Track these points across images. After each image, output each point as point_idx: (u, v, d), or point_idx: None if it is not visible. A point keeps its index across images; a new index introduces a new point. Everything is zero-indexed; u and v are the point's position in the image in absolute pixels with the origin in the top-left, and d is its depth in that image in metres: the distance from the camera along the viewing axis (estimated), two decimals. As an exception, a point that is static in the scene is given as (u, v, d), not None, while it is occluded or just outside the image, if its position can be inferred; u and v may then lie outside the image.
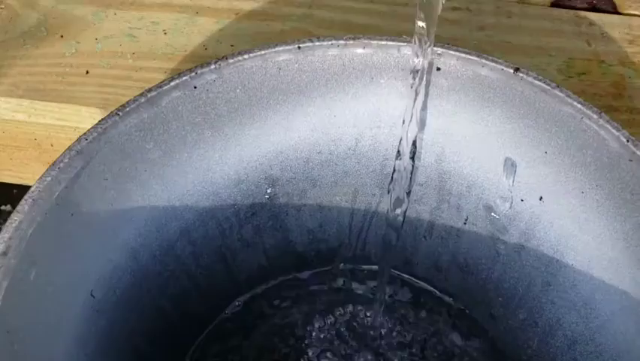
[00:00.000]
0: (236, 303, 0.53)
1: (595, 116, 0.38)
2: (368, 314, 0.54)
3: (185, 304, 0.49)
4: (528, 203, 0.44)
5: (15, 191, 0.70)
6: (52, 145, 0.54)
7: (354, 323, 0.53)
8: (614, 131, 0.38)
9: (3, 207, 0.69)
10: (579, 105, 0.39)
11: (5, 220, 0.69)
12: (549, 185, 0.42)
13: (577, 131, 0.39)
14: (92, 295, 0.41)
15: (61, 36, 0.53)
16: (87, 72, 0.51)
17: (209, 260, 0.50)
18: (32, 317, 0.36)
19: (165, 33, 0.54)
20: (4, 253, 0.35)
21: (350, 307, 0.54)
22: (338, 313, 0.54)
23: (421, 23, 0.40)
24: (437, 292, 0.54)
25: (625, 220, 0.39)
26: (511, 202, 0.45)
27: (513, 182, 0.44)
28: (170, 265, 0.47)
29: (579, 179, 0.41)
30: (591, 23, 0.56)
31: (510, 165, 0.44)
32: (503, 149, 0.44)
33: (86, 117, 0.50)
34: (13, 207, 0.71)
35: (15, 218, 0.36)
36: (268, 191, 0.49)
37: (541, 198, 0.43)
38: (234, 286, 0.53)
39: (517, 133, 0.43)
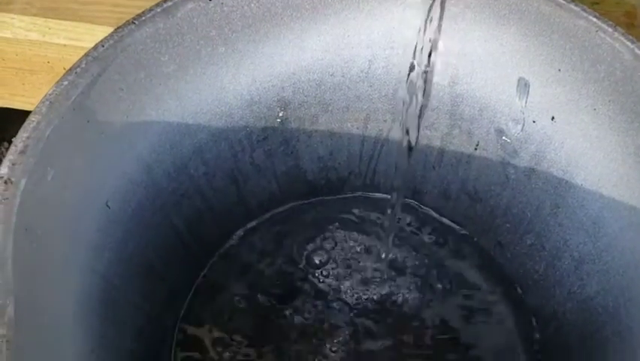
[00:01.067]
0: (248, 226, 0.54)
1: (610, 29, 0.38)
2: (375, 242, 0.55)
3: (197, 225, 0.50)
4: (540, 124, 0.44)
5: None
6: (64, 68, 0.54)
7: (361, 250, 0.54)
8: (628, 43, 0.38)
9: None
10: (594, 19, 0.39)
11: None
12: (562, 104, 0.43)
13: (591, 46, 0.39)
14: (107, 205, 0.41)
15: (74, -42, 0.53)
16: (100, -8, 0.51)
17: (222, 183, 0.50)
18: (49, 218, 0.36)
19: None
20: (23, 152, 0.35)
21: (358, 234, 0.54)
22: (346, 238, 0.55)
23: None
24: (445, 219, 0.55)
25: (637, 134, 0.39)
26: (523, 124, 0.45)
27: (526, 103, 0.44)
28: (183, 183, 0.47)
29: (592, 95, 0.41)
30: (606, -44, 0.56)
31: (523, 86, 0.44)
32: (517, 68, 0.44)
33: (100, 37, 0.50)
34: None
35: (33, 119, 0.36)
36: (280, 114, 0.49)
37: (553, 118, 0.44)
38: (246, 210, 0.53)
39: (531, 51, 0.43)
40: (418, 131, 0.48)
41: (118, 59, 0.39)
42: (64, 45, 0.51)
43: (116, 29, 0.39)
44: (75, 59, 0.52)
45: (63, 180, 0.37)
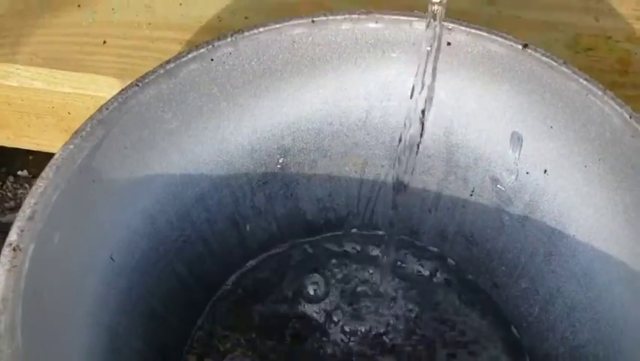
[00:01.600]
0: (247, 265, 0.55)
1: (600, 93, 0.39)
2: (374, 277, 0.56)
3: (199, 268, 0.51)
4: (533, 176, 0.46)
5: (31, 157, 0.72)
6: (69, 113, 0.55)
7: (361, 286, 0.55)
8: (617, 107, 0.39)
9: (19, 173, 0.71)
10: (585, 82, 0.40)
11: (22, 185, 0.71)
12: (554, 158, 0.44)
13: (582, 107, 0.41)
14: (111, 258, 0.43)
15: (79, 5, 0.54)
16: (104, 42, 0.52)
17: (223, 227, 0.51)
18: (57, 278, 0.38)
19: (180, 4, 0.55)
20: (31, 218, 0.36)
21: (356, 268, 0.55)
22: (344, 273, 0.56)
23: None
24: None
25: (626, 194, 0.40)
26: (517, 175, 0.46)
27: (519, 155, 0.46)
28: (186, 230, 0.48)
29: (582, 153, 0.42)
30: (600, -1, 0.57)
31: (517, 139, 0.45)
32: (510, 123, 0.45)
33: (104, 86, 0.52)
34: (29, 172, 0.73)
35: (40, 184, 0.37)
36: (280, 161, 0.51)
37: (545, 171, 0.45)
38: (246, 251, 0.55)
39: (524, 108, 0.44)
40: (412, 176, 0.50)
41: (122, 120, 0.41)
42: (69, 93, 0.52)
43: (120, 92, 0.40)
44: (79, 104, 0.54)
45: (69, 241, 0.39)
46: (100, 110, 0.40)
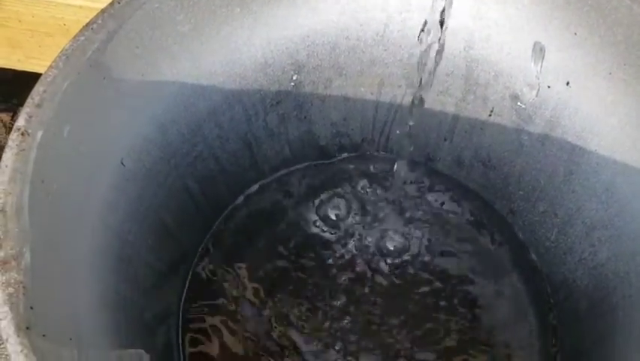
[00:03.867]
0: (258, 184, 0.54)
1: (628, -9, 0.38)
2: (388, 200, 0.55)
3: (210, 186, 0.50)
4: (555, 89, 0.44)
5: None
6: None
7: (375, 207, 0.54)
8: (647, 5, 0.37)
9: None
10: (613, -20, 0.38)
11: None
12: (577, 68, 0.42)
13: (608, 9, 0.39)
14: (122, 163, 0.42)
15: None
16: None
17: (236, 146, 0.50)
18: (65, 172, 0.37)
19: None
20: (39, 105, 0.35)
21: (371, 190, 0.54)
22: (359, 194, 0.55)
23: None
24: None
25: (652, 98, 0.39)
26: (538, 89, 0.45)
27: (541, 68, 0.44)
28: (197, 145, 0.48)
29: (608, 59, 0.41)
30: None
31: (539, 50, 0.44)
32: (533, 33, 0.43)
33: None
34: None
35: (50, 73, 0.36)
36: (294, 78, 0.49)
37: (568, 83, 0.43)
38: (258, 174, 0.54)
39: (547, 15, 0.42)
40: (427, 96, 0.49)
41: (134, 16, 0.40)
42: (81, 7, 0.51)
43: (131, -13, 0.39)
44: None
45: (79, 136, 0.38)
46: (111, 4, 0.39)
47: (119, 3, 0.39)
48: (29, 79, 0.66)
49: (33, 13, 0.53)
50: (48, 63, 0.59)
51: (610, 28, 0.39)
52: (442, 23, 0.44)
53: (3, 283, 0.30)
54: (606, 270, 0.43)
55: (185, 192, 0.49)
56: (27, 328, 0.29)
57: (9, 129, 0.68)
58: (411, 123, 0.52)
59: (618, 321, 0.41)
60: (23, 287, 0.31)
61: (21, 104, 0.72)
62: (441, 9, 0.44)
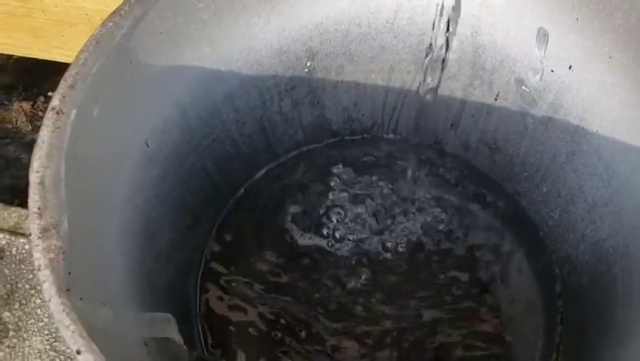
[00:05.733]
0: (271, 165, 0.56)
1: (627, -23, 0.40)
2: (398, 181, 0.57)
3: (227, 167, 0.53)
4: (557, 73, 0.46)
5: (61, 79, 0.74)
6: (102, 20, 0.56)
7: (385, 188, 0.56)
8: (645, -10, 0.39)
9: (50, 93, 0.72)
10: (613, -32, 0.40)
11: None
12: (579, 52, 0.44)
13: (609, -5, 0.41)
14: (146, 144, 0.44)
15: None
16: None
17: (251, 129, 0.53)
18: (95, 150, 0.39)
19: None
20: (72, 86, 0.38)
21: (381, 171, 0.57)
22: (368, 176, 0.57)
23: None
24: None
25: (650, 79, 0.41)
26: (542, 74, 0.47)
27: (545, 52, 0.46)
28: (216, 128, 0.50)
29: (607, 44, 0.43)
30: None
31: (542, 35, 0.46)
32: (537, 19, 0.46)
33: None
34: (60, 94, 0.74)
35: (81, 56, 0.39)
36: (307, 64, 0.52)
37: (570, 67, 0.45)
38: (272, 156, 0.56)
39: (551, 1, 0.44)
40: (440, 80, 0.51)
41: (158, 3, 0.42)
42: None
43: (156, -25, 0.42)
44: (112, 10, 0.55)
45: (107, 117, 0.40)
46: (137, -8, 0.41)
47: (144, -9, 0.41)
48: (49, 69, 0.68)
49: (56, 3, 0.55)
50: (70, 52, 0.61)
51: (610, 13, 0.42)
52: (455, 10, 0.46)
53: (44, 248, 0.32)
54: (607, 245, 0.46)
55: (203, 172, 0.51)
56: (67, 290, 0.32)
57: (30, 118, 0.70)
58: (419, 108, 0.54)
59: (618, 293, 0.43)
60: (62, 253, 0.33)
61: (41, 93, 0.74)
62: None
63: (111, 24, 0.40)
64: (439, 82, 0.51)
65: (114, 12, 0.40)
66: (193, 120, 0.48)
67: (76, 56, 0.39)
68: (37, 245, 0.32)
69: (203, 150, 0.50)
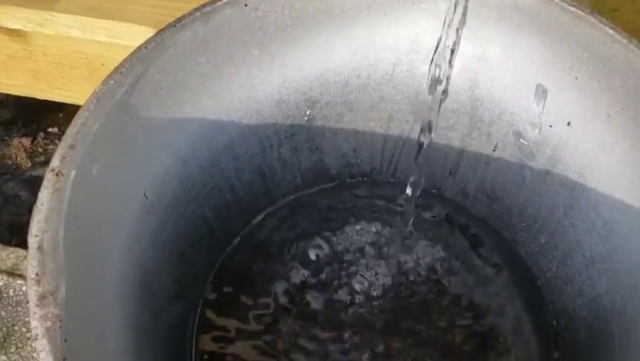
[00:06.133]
0: (267, 211, 0.56)
1: (625, 41, 0.40)
2: (396, 224, 0.57)
3: (225, 214, 0.53)
4: (556, 128, 0.47)
5: (61, 115, 0.74)
6: (102, 64, 0.57)
7: (383, 232, 0.56)
8: (642, 55, 0.40)
9: (50, 129, 0.73)
10: (610, 30, 0.41)
11: (52, 141, 0.73)
12: (577, 110, 0.45)
13: (607, 56, 0.42)
14: (145, 195, 0.44)
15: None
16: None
17: (251, 176, 0.53)
18: (94, 207, 0.39)
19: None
20: (72, 146, 0.38)
21: (379, 216, 0.57)
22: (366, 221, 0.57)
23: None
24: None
25: (648, 141, 0.41)
26: (540, 128, 0.47)
27: (543, 108, 0.47)
28: (215, 176, 0.50)
29: (606, 103, 0.43)
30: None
31: (541, 92, 0.46)
32: (536, 75, 0.46)
33: (139, 36, 0.53)
34: (59, 129, 0.75)
35: (82, 115, 0.39)
36: (307, 113, 0.52)
37: (569, 123, 0.46)
38: (270, 201, 0.56)
39: (549, 59, 0.45)
40: (434, 129, 0.51)
41: (159, 59, 0.42)
42: (104, 42, 0.54)
43: (158, 32, 0.42)
44: (113, 55, 0.56)
45: (107, 173, 0.40)
46: (139, 48, 0.42)
47: (146, 48, 0.42)
48: (49, 105, 0.69)
49: (57, 47, 0.56)
50: (70, 93, 0.62)
51: (609, 74, 0.42)
52: (450, 63, 0.47)
53: (41, 316, 0.32)
54: (604, 301, 0.46)
55: (201, 220, 0.51)
56: (63, 359, 0.32)
57: (29, 153, 0.70)
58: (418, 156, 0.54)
59: (615, 350, 0.43)
60: (59, 321, 0.33)
61: (40, 129, 0.75)
62: (448, 52, 0.46)
63: (112, 82, 0.40)
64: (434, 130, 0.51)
65: (115, 69, 0.41)
66: (193, 170, 0.48)
67: (77, 115, 0.39)
68: (35, 313, 0.32)
69: (202, 198, 0.50)
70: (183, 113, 0.45)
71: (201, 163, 0.48)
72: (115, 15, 0.52)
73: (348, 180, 0.58)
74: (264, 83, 0.49)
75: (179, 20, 0.43)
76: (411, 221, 0.57)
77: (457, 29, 0.45)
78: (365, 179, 0.59)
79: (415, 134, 0.54)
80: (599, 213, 0.46)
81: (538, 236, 0.52)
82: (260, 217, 0.56)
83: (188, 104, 0.45)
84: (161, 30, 0.42)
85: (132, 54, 0.41)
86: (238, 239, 0.55)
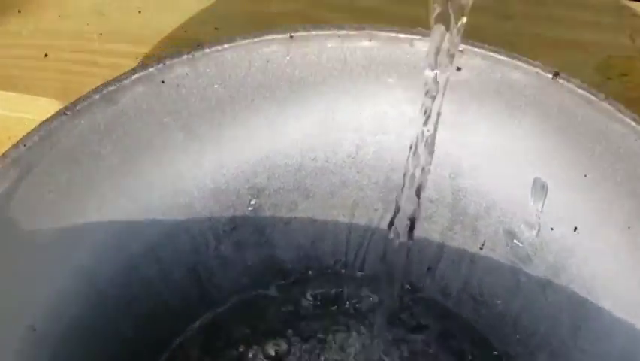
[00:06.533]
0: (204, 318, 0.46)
1: (653, 137, 0.31)
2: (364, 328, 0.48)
3: (148, 327, 0.42)
4: (559, 232, 0.37)
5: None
6: (9, 138, 0.47)
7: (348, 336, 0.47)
8: (676, 156, 0.30)
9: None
10: (632, 122, 0.32)
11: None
12: (587, 214, 0.35)
13: (628, 154, 0.32)
14: (33, 328, 0.34)
15: (19, 11, 0.46)
16: (46, 55, 0.44)
17: (180, 280, 0.43)
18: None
19: (139, 11, 0.46)
20: None
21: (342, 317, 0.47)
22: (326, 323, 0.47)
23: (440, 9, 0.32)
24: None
25: (682, 265, 0.32)
26: (539, 230, 0.38)
27: (542, 207, 0.37)
28: (132, 287, 0.40)
29: (626, 211, 0.34)
30: (635, 14, 0.49)
31: (540, 187, 0.37)
32: (532, 167, 0.37)
33: (45, 109, 0.43)
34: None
35: None
36: (252, 202, 0.42)
37: (575, 228, 0.36)
38: (208, 304, 0.46)
39: (550, 150, 0.36)
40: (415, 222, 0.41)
41: (45, 158, 0.32)
42: (7, 116, 0.44)
43: (42, 123, 0.32)
44: (20, 129, 0.45)
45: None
46: (15, 145, 0.32)
47: (24, 145, 0.32)
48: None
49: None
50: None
51: (630, 176, 0.33)
52: (429, 152, 0.37)
53: None
54: None
55: (115, 338, 0.41)
56: None
57: None
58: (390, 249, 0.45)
59: None
60: None
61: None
62: (425, 136, 0.37)
63: (-25, 194, 0.30)
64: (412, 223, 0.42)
65: (-20, 175, 0.31)
66: (102, 284, 0.38)
67: None
68: None
69: (115, 313, 0.40)
70: (85, 219, 0.36)
71: (113, 276, 0.38)
72: (16, 85, 0.43)
73: (308, 273, 0.49)
74: (194, 170, 0.39)
75: (72, 106, 0.33)
76: (379, 321, 0.47)
77: (435, 109, 0.36)
78: (329, 271, 0.49)
79: (384, 223, 0.44)
80: (614, 341, 0.36)
81: (536, 353, 0.42)
82: (196, 324, 0.46)
83: (92, 207, 0.36)
84: (45, 121, 0.32)
85: (5, 154, 0.31)
86: (167, 355, 0.45)
